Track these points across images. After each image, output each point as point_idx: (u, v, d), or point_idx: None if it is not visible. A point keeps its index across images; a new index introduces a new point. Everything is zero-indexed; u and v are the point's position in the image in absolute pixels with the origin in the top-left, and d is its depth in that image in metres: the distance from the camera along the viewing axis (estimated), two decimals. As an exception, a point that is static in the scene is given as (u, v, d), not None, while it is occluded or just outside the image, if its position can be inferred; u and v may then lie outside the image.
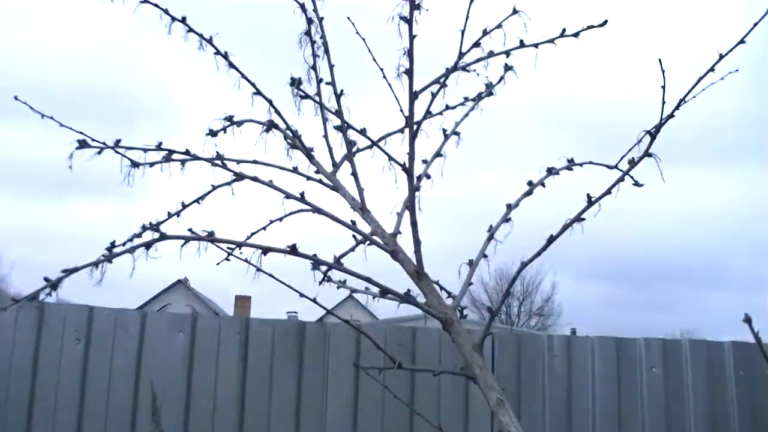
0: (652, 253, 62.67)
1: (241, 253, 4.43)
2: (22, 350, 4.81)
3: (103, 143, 4.63)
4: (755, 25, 3.92)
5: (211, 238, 4.34)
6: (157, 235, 4.35)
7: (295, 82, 4.81)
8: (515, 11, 4.66)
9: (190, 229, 4.39)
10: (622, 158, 4.36)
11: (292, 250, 4.33)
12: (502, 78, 5.05)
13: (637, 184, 4.31)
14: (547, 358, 5.36)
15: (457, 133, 5.07)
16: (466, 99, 5.13)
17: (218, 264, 4.47)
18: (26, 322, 4.85)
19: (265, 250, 4.34)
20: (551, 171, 4.74)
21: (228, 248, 4.46)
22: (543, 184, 4.74)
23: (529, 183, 4.73)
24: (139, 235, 4.43)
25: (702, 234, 65.19)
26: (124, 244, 4.39)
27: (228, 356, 4.98)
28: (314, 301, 4.29)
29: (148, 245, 4.33)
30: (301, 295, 4.27)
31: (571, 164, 4.73)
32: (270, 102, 4.91)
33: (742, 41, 3.95)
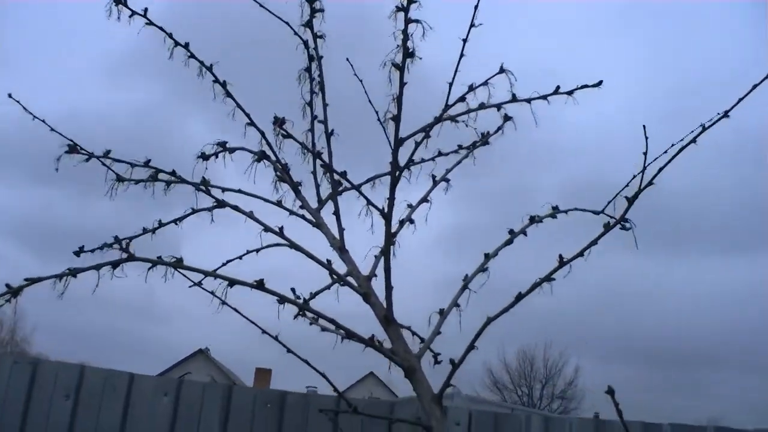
0: (681, 337, 61.77)
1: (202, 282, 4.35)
2: (13, 405, 4.90)
3: (91, 153, 4.61)
4: (740, 100, 3.80)
5: (178, 264, 4.25)
6: (125, 255, 4.27)
7: (278, 121, 4.74)
8: (502, 70, 4.57)
9: (159, 256, 4.30)
10: (608, 204, 4.23)
11: (259, 285, 4.24)
12: (500, 128, 4.96)
13: (624, 227, 4.17)
14: None
15: (447, 180, 4.98)
16: (460, 147, 5.04)
17: (191, 286, 4.38)
18: (19, 377, 4.96)
19: (232, 283, 4.26)
20: (534, 219, 4.63)
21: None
22: (525, 233, 4.62)
23: (510, 231, 4.63)
24: (109, 245, 4.36)
25: (732, 318, 64.30)
26: (93, 251, 4.33)
27: (209, 422, 4.96)
28: (275, 338, 4.19)
29: (114, 264, 4.26)
30: (263, 332, 4.19)
31: (555, 212, 4.62)
32: (262, 133, 4.84)
33: (726, 115, 3.83)
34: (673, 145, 3.94)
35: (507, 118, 4.88)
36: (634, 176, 4.09)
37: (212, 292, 4.25)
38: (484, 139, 4.99)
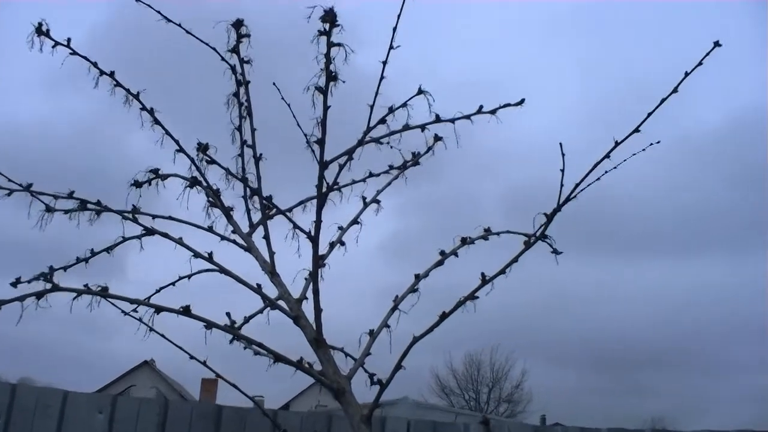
0: (626, 340, 62.16)
1: (137, 311, 4.33)
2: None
3: (18, 184, 4.59)
4: (648, 115, 3.86)
5: (104, 293, 4.23)
6: (49, 286, 4.24)
7: (201, 147, 4.75)
8: (420, 91, 4.61)
9: (86, 285, 4.28)
10: (538, 229, 4.27)
11: (185, 311, 4.23)
12: (430, 148, 4.98)
13: (555, 251, 4.23)
14: None
15: (378, 201, 4.99)
16: (391, 167, 5.06)
17: (125, 315, 4.36)
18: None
19: (158, 310, 4.24)
20: (465, 241, 4.64)
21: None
22: (456, 254, 4.64)
23: (442, 252, 4.64)
24: (38, 278, 4.34)
25: (672, 320, 64.91)
26: (29, 282, 4.31)
27: None
28: (204, 363, 4.19)
29: (39, 295, 4.22)
30: (191, 357, 4.18)
31: (487, 233, 4.64)
32: (192, 160, 4.84)
33: (636, 130, 3.89)
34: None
35: (437, 138, 4.90)
36: (567, 198, 4.13)
37: (140, 319, 4.24)
38: (415, 160, 5.01)
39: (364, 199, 4.96)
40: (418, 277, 4.60)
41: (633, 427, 5.55)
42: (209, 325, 4.29)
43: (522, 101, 4.59)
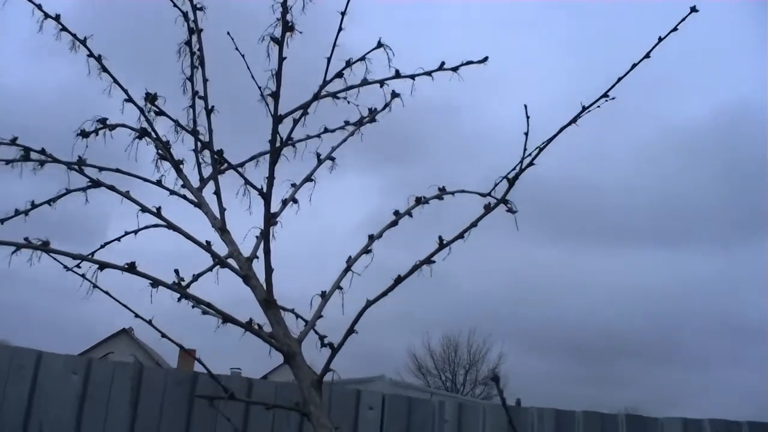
0: (602, 329, 62.74)
1: (80, 267, 4.14)
2: None
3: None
4: (619, 80, 3.74)
5: (45, 248, 4.04)
6: (-14, 240, 4.05)
7: (150, 97, 4.54)
8: (380, 44, 4.43)
9: (26, 238, 4.08)
10: (493, 188, 4.16)
11: (131, 268, 4.06)
12: (387, 105, 4.81)
13: (510, 210, 4.10)
14: (437, 423, 5.13)
15: (332, 158, 4.82)
16: (347, 123, 4.88)
17: (68, 270, 4.17)
18: None
19: (102, 266, 4.06)
20: (420, 200, 4.51)
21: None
22: (410, 214, 4.51)
23: (396, 213, 4.51)
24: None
25: (647, 310, 65.60)
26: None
27: (119, 402, 4.75)
28: (149, 322, 4.04)
29: (-25, 248, 4.03)
30: (136, 315, 4.02)
31: (442, 193, 4.51)
32: (141, 110, 4.63)
33: (605, 95, 3.77)
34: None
35: (394, 95, 4.73)
36: (524, 162, 4.02)
37: (83, 275, 4.06)
38: (372, 116, 4.84)
39: (318, 155, 4.78)
40: (371, 238, 4.47)
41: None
42: (155, 282, 4.12)
43: (485, 59, 4.44)
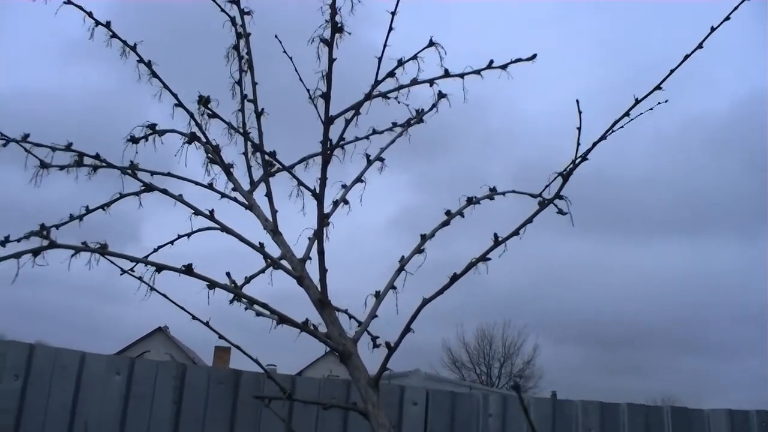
0: (631, 320, 62.17)
1: (134, 270, 4.10)
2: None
3: (9, 137, 4.36)
4: (672, 71, 3.65)
5: (103, 250, 4.00)
6: (46, 242, 4.01)
7: (203, 101, 4.50)
8: (432, 43, 4.36)
9: (84, 242, 4.05)
10: (545, 188, 4.08)
11: (188, 270, 4.01)
12: (434, 105, 4.74)
13: (561, 212, 4.00)
14: (482, 417, 5.05)
15: (382, 159, 4.76)
16: (395, 124, 4.82)
17: (122, 274, 4.13)
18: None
19: (159, 268, 4.01)
20: (471, 200, 4.45)
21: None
22: (462, 214, 4.44)
23: (447, 212, 4.45)
24: (36, 233, 4.12)
25: (675, 301, 65.08)
26: (19, 240, 4.09)
27: (162, 401, 4.70)
28: (207, 324, 3.99)
29: (35, 252, 3.99)
30: (194, 317, 3.97)
31: (493, 193, 4.45)
32: (191, 115, 4.60)
33: (658, 87, 3.68)
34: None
35: (441, 95, 4.66)
36: (573, 161, 3.94)
37: (140, 278, 4.02)
38: (419, 117, 4.77)
39: (368, 156, 4.72)
40: (424, 238, 4.40)
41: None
42: (211, 284, 4.08)
43: (534, 56, 4.36)
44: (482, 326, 58.19)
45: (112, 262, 4.02)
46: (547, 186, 4.08)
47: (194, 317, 3.96)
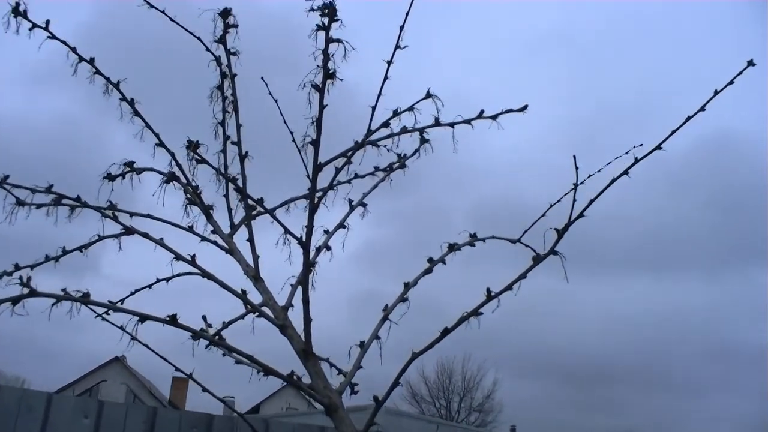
0: (593, 355, 62.44)
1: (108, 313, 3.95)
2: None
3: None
4: (672, 132, 3.63)
5: (85, 299, 3.85)
6: (26, 291, 3.83)
7: (192, 146, 4.37)
8: (429, 95, 4.30)
9: (63, 289, 3.88)
10: (524, 233, 4.08)
11: (172, 321, 3.88)
12: (416, 151, 4.69)
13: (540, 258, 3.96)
14: None
15: (364, 205, 4.68)
16: (377, 168, 4.74)
17: (97, 316, 3.97)
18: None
19: (143, 318, 3.87)
20: (452, 247, 4.39)
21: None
22: (443, 261, 4.38)
23: (430, 260, 4.38)
24: (8, 273, 3.96)
25: (638, 337, 65.70)
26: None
27: None
28: (190, 376, 3.86)
29: (15, 300, 3.81)
30: (177, 369, 3.84)
31: (473, 239, 4.41)
32: (172, 155, 4.49)
33: (659, 147, 3.66)
34: (590, 175, 3.78)
35: (424, 140, 4.61)
36: (551, 205, 3.94)
37: (122, 327, 3.88)
38: (401, 162, 4.71)
39: (350, 201, 4.63)
40: (407, 286, 4.33)
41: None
42: (196, 335, 3.95)
43: (525, 107, 4.32)
44: (442, 360, 57.92)
45: (93, 310, 3.86)
46: (525, 231, 4.07)
47: (177, 369, 3.84)
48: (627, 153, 3.77)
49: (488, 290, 3.86)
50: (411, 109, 4.35)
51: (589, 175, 3.80)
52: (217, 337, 4.07)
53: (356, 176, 4.67)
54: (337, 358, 4.26)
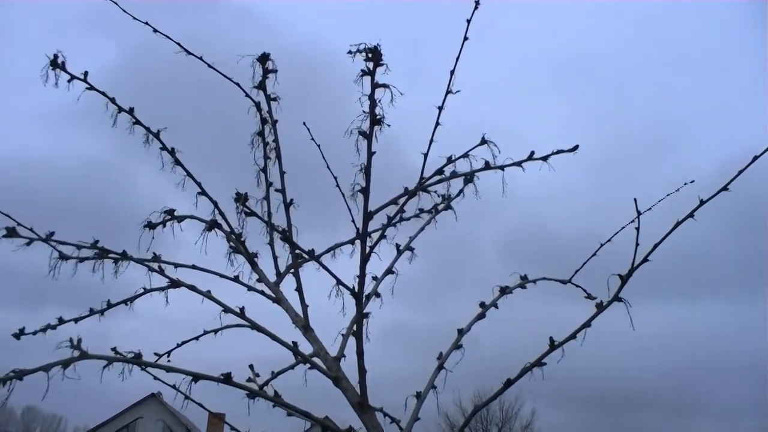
0: (626, 381, 62.51)
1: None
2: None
3: (35, 234, 4.10)
4: (739, 173, 3.52)
5: (137, 360, 3.73)
6: (77, 353, 3.71)
7: (241, 198, 4.25)
8: (484, 141, 4.19)
9: (113, 348, 3.76)
10: (575, 273, 4.01)
11: (227, 379, 3.75)
12: (461, 191, 4.54)
13: (592, 297, 3.86)
14: None
15: (411, 249, 4.54)
16: (421, 211, 4.60)
17: (155, 379, 3.87)
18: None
19: (196, 378, 3.74)
20: (504, 290, 4.29)
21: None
22: (496, 305, 4.27)
23: (482, 305, 4.27)
24: (53, 327, 3.86)
25: (674, 362, 65.67)
26: (35, 333, 3.89)
27: None
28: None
29: (65, 364, 3.68)
30: (232, 428, 3.71)
31: (524, 281, 4.31)
32: (215, 203, 4.37)
33: (725, 188, 3.54)
34: (634, 213, 3.66)
35: (468, 180, 4.48)
36: (602, 245, 3.85)
37: (175, 387, 3.75)
38: (447, 203, 4.58)
39: (397, 246, 4.50)
40: (461, 332, 4.21)
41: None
42: (252, 393, 3.83)
43: (576, 147, 4.19)
44: (479, 391, 57.56)
45: (147, 371, 3.75)
46: (577, 271, 3.98)
47: (233, 428, 3.71)
48: (678, 190, 3.69)
49: (551, 339, 3.74)
50: (466, 155, 4.23)
51: (641, 211, 3.68)
52: (265, 388, 3.94)
53: (401, 219, 4.54)
54: (372, 389, 4.11)
